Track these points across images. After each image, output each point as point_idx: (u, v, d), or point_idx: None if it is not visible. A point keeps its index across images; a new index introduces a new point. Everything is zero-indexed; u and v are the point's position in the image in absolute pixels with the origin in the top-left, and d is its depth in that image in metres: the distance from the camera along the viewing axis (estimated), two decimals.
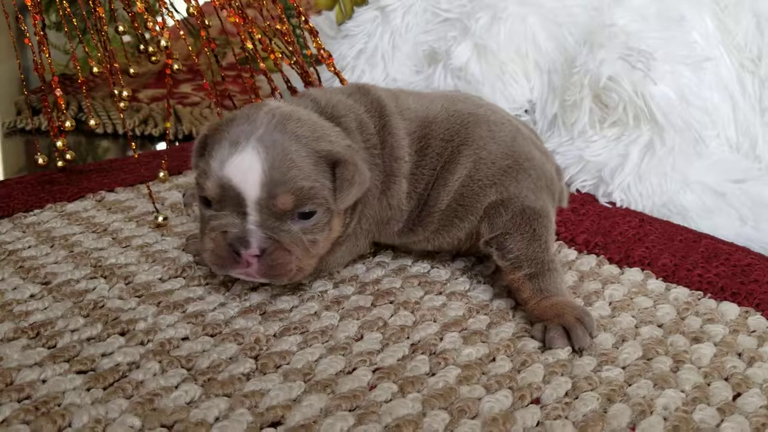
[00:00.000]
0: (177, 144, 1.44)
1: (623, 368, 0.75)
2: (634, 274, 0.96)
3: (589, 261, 0.98)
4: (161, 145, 1.47)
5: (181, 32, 1.13)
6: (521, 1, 1.21)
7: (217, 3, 1.05)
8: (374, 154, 0.84)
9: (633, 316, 0.85)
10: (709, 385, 0.73)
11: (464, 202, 0.86)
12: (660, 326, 0.83)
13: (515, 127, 0.91)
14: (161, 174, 1.13)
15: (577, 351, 0.76)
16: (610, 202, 1.16)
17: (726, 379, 0.74)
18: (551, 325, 0.78)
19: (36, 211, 1.01)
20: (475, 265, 0.94)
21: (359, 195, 0.79)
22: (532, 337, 0.79)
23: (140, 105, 1.61)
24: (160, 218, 0.98)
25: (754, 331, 0.84)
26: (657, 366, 0.75)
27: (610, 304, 0.87)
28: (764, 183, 1.15)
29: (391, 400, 0.66)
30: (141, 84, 1.81)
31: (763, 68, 1.22)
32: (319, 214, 0.75)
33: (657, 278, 0.95)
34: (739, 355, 0.79)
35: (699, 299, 0.90)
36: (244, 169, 0.72)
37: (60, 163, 1.13)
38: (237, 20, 1.06)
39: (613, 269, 0.97)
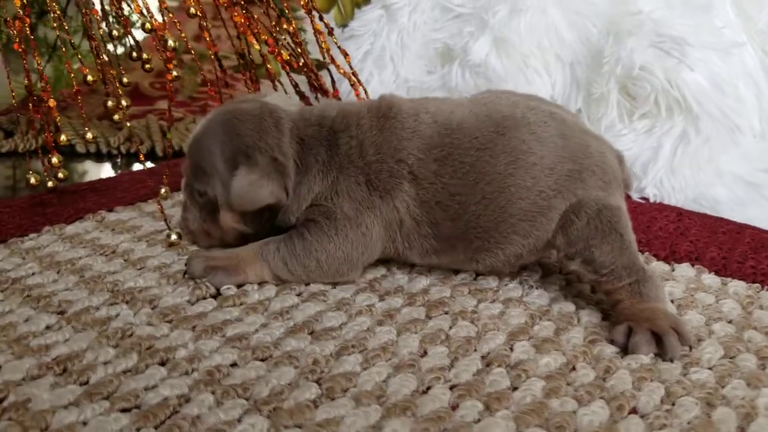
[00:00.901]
0: (169, 160, 1.34)
1: (710, 369, 0.69)
2: (685, 269, 0.91)
3: None
4: (149, 164, 1.37)
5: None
6: None
7: (221, 1, 0.97)
8: (352, 155, 0.81)
9: (700, 314, 0.80)
10: None
11: (526, 217, 0.78)
12: (730, 322, 0.79)
13: (560, 120, 0.82)
14: (162, 190, 1.05)
15: (667, 360, 0.70)
16: (643, 198, 1.11)
17: None
18: (639, 329, 0.71)
19: (32, 235, 0.91)
20: (521, 271, 0.88)
21: (254, 206, 0.79)
22: (612, 340, 0.72)
23: (122, 123, 1.51)
24: (173, 236, 0.89)
25: None
26: (744, 365, 0.70)
27: (673, 302, 0.82)
28: None
29: (479, 420, 0.59)
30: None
31: None
32: (207, 198, 0.82)
33: (710, 272, 0.90)
34: None
35: (758, 292, 0.86)
36: (192, 133, 0.84)
37: (50, 184, 1.04)
38: (242, 20, 0.99)
39: (663, 266, 0.92)
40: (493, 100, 0.85)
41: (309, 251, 0.79)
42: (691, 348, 0.72)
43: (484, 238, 0.79)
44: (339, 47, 1.06)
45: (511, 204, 0.78)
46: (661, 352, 0.70)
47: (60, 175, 1.02)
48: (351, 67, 1.05)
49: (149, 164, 1.34)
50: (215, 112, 0.84)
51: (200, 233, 0.86)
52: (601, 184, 0.79)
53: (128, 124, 0.99)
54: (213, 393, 0.60)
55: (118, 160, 1.38)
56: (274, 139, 0.80)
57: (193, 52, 1.03)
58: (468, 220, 0.79)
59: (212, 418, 0.57)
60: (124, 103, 0.97)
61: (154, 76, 1.91)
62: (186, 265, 0.81)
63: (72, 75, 0.95)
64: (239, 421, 0.57)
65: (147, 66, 1.09)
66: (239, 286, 0.80)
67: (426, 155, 0.80)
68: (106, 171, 1.33)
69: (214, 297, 0.78)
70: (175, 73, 1.05)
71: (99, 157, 1.38)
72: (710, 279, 0.89)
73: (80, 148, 1.36)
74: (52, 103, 0.93)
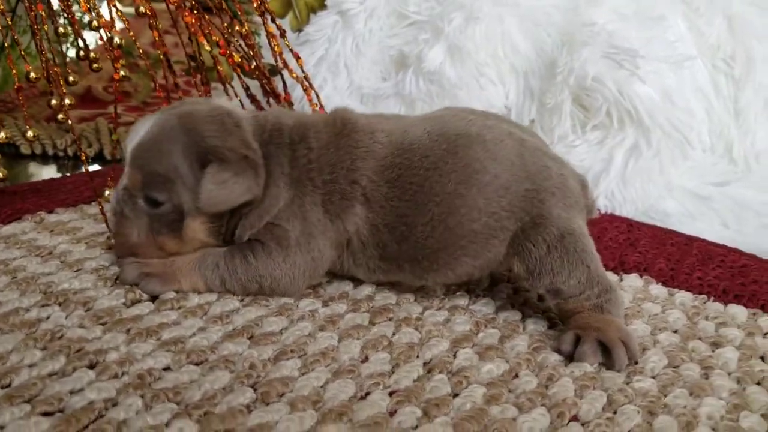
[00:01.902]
0: (116, 163, 1.31)
1: (653, 377, 0.69)
2: (633, 280, 0.91)
3: None
4: (97, 166, 1.33)
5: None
6: (496, 1, 1.16)
7: (172, 2, 0.95)
8: (311, 169, 0.77)
9: (646, 323, 0.80)
10: (744, 390, 0.68)
11: (475, 239, 0.75)
12: (675, 332, 0.79)
13: (519, 140, 0.79)
14: (107, 192, 1.02)
15: (613, 369, 0.69)
16: None
17: (759, 384, 0.69)
18: (587, 339, 0.69)
19: None
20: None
21: (231, 204, 0.74)
22: (558, 348, 0.71)
23: (68, 125, 1.47)
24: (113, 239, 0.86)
25: (767, 334, 0.80)
26: (687, 374, 0.70)
27: None
28: (746, 185, 1.13)
29: (417, 426, 0.58)
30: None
31: (737, 69, 1.21)
32: (166, 207, 0.75)
33: (657, 283, 0.90)
34: (762, 358, 0.75)
35: (704, 303, 0.86)
36: (132, 136, 0.77)
37: None
38: (193, 20, 0.97)
39: (611, 276, 0.92)
40: (449, 117, 0.82)
41: (252, 276, 0.76)
42: (636, 362, 0.71)
43: (432, 260, 0.77)
44: (291, 50, 1.04)
45: (460, 225, 0.75)
46: (608, 363, 0.69)
47: (0, 174, 0.98)
48: (303, 71, 1.03)
49: (97, 167, 1.31)
50: (164, 115, 0.76)
51: (148, 246, 0.77)
52: (561, 206, 0.75)
53: (70, 122, 0.94)
54: (142, 397, 0.58)
55: (66, 162, 1.34)
56: (239, 139, 0.75)
57: (143, 56, 1.01)
58: (415, 241, 0.76)
59: (139, 423, 0.54)
60: (67, 101, 0.94)
61: (108, 80, 1.88)
62: (119, 270, 0.78)
63: (14, 72, 0.92)
64: (167, 425, 0.55)
65: (95, 66, 1.06)
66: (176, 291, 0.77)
67: (379, 177, 0.77)
68: (52, 173, 1.30)
69: (152, 300, 0.75)
70: (122, 73, 1.02)
71: (45, 159, 1.35)
72: (657, 289, 0.89)
73: (25, 149, 1.33)
74: None
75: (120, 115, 1.67)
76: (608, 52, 1.05)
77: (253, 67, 1.03)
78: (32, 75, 0.94)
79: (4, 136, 0.94)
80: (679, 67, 1.09)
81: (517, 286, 0.87)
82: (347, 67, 1.22)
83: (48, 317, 0.69)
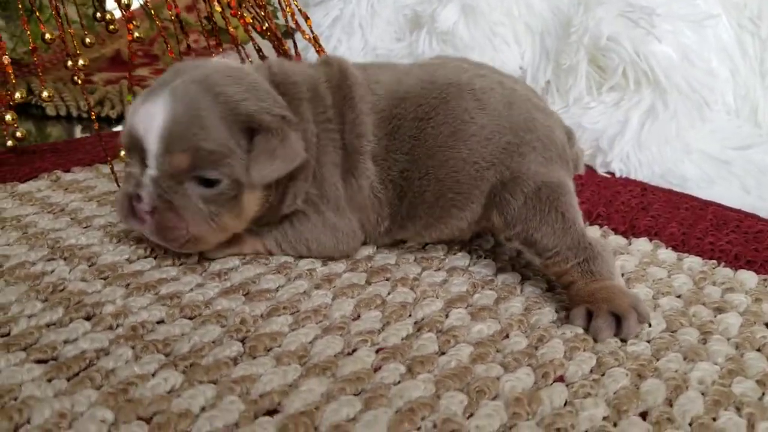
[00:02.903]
0: None
1: (648, 342, 0.68)
2: (643, 244, 0.90)
3: (593, 232, 0.92)
4: (120, 128, 1.36)
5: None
6: None
7: None
8: (330, 128, 0.75)
9: (649, 287, 0.79)
10: (742, 356, 0.67)
11: (461, 189, 0.75)
12: (679, 297, 0.77)
13: (509, 90, 0.79)
14: (122, 152, 1.04)
15: (627, 338, 0.68)
16: (609, 173, 1.09)
17: (758, 350, 0.68)
18: (600, 312, 0.67)
19: None
20: (473, 240, 0.87)
21: (283, 172, 0.70)
22: (571, 322, 0.69)
23: (94, 87, 1.50)
24: None
25: None
26: (684, 338, 0.69)
27: (623, 275, 0.80)
28: None
29: (400, 381, 0.59)
30: (95, 68, 1.71)
31: (764, 29, 1.17)
32: (223, 185, 0.68)
33: (667, 248, 0.89)
34: (767, 325, 0.73)
35: (714, 268, 0.85)
36: (148, 118, 0.67)
37: (9, 143, 1.03)
38: None
39: (620, 240, 0.91)
40: (440, 65, 0.82)
41: (300, 240, 0.77)
42: (649, 324, 0.70)
43: (429, 214, 0.77)
44: (300, 10, 1.04)
45: (448, 177, 0.75)
46: (619, 333, 0.67)
47: (18, 134, 1.01)
48: (312, 32, 1.03)
49: (121, 128, 1.33)
50: (182, 86, 0.68)
51: (211, 232, 0.70)
52: (541, 160, 0.75)
53: (80, 82, 0.95)
54: (133, 348, 0.60)
55: (90, 123, 1.36)
56: (271, 98, 0.71)
57: (173, 19, 1.02)
58: (414, 197, 0.76)
59: (126, 371, 0.56)
60: (81, 62, 0.96)
61: (138, 43, 1.91)
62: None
63: (28, 33, 0.94)
64: (153, 375, 0.56)
65: (111, 27, 1.08)
66: None
67: (380, 130, 0.76)
68: (78, 135, 1.32)
69: (155, 257, 0.77)
70: (137, 35, 1.04)
71: (70, 121, 1.37)
72: (666, 254, 0.87)
73: (50, 111, 1.35)
74: (5, 60, 0.92)
75: (146, 78, 1.69)
76: (624, 11, 1.02)
77: (265, 28, 1.03)
78: (47, 36, 0.96)
79: (19, 96, 0.95)
80: (700, 26, 1.06)
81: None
82: (362, 27, 1.21)
83: (52, 271, 0.71)
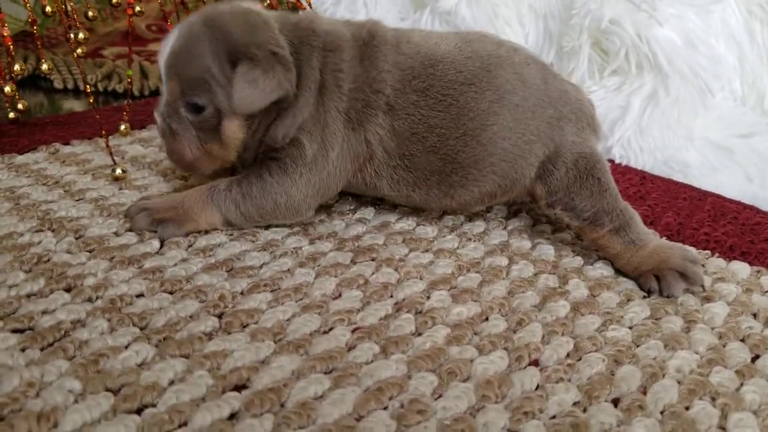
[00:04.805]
0: (143, 99, 1.34)
1: (630, 328, 0.68)
2: None
3: None
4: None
5: None
6: None
7: None
8: (339, 78, 0.77)
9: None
10: (724, 346, 0.66)
11: (506, 157, 0.78)
12: None
13: (542, 65, 0.83)
14: (122, 127, 1.05)
15: (692, 292, 0.75)
16: (609, 159, 1.08)
17: (742, 340, 0.68)
18: (665, 272, 0.74)
19: None
20: (464, 223, 0.86)
21: (262, 102, 0.73)
22: (647, 289, 0.74)
23: (104, 61, 1.50)
24: (119, 171, 0.89)
25: None
26: (667, 326, 0.68)
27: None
28: None
29: (372, 361, 0.59)
30: (107, 42, 1.71)
31: None
32: (208, 111, 0.74)
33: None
34: (755, 315, 0.72)
35: (707, 258, 0.83)
36: (163, 50, 0.76)
37: (11, 115, 1.04)
38: None
39: None
40: (478, 37, 0.84)
41: (267, 192, 0.76)
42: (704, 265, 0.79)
43: (461, 174, 0.79)
44: None
45: (492, 143, 0.77)
46: (687, 282, 0.74)
47: (20, 106, 1.02)
48: (311, 6, 1.03)
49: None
50: (190, 21, 0.75)
51: (203, 157, 0.77)
52: (575, 130, 0.80)
53: (76, 55, 0.95)
54: (109, 320, 0.60)
55: (97, 97, 1.37)
56: (267, 35, 0.74)
57: None
58: (446, 153, 0.78)
59: (99, 343, 0.57)
60: (81, 35, 0.96)
61: (154, 18, 1.91)
62: (128, 219, 0.77)
63: (28, 6, 0.94)
64: (126, 347, 0.57)
65: (114, 1, 1.08)
66: None
67: (405, 85, 0.78)
68: (85, 107, 1.33)
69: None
70: (137, 9, 1.04)
71: (78, 94, 1.38)
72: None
73: (58, 84, 1.36)
74: (5, 32, 0.92)
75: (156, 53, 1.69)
76: None
77: (266, 4, 1.03)
78: (48, 9, 0.96)
79: (18, 69, 0.96)
80: (706, 11, 1.03)
81: (511, 230, 0.86)
82: (366, 5, 1.20)
83: (39, 242, 0.72)
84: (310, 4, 1.03)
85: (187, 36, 0.74)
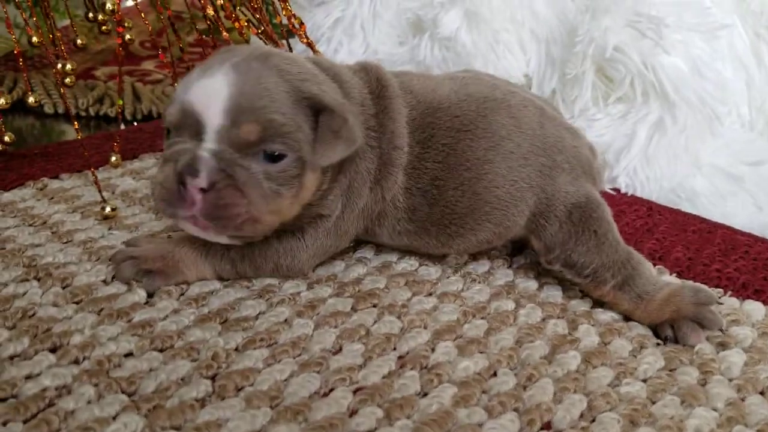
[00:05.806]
0: (134, 124, 1.30)
1: (644, 381, 0.65)
2: None
3: None
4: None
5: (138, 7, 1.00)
6: None
7: None
8: (371, 136, 0.74)
9: None
10: (743, 400, 0.63)
11: (500, 205, 0.75)
12: None
13: (539, 109, 0.80)
14: (113, 158, 1.01)
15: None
16: (615, 189, 1.05)
17: (762, 393, 0.64)
18: (680, 323, 0.71)
19: None
20: (468, 262, 0.83)
21: (344, 154, 0.68)
22: (663, 338, 0.72)
23: (95, 83, 1.47)
24: (108, 209, 0.85)
25: None
26: (682, 378, 0.65)
27: None
28: None
29: (375, 429, 0.56)
30: (99, 61, 1.67)
31: None
32: (288, 160, 0.65)
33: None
34: None
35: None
36: (209, 92, 0.64)
37: None
38: None
39: None
40: (473, 79, 0.82)
41: (270, 256, 0.73)
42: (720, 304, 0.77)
43: (458, 224, 0.76)
44: (295, 16, 1.00)
45: (487, 191, 0.75)
46: (705, 328, 0.72)
47: (6, 138, 0.98)
48: (308, 37, 1.00)
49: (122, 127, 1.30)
50: (237, 63, 0.65)
51: (268, 216, 0.66)
52: (569, 180, 0.77)
53: (66, 83, 0.92)
54: (96, 386, 0.57)
55: (89, 122, 1.34)
56: (326, 84, 0.70)
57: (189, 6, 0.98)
58: (445, 205, 0.75)
59: (86, 414, 0.54)
60: (69, 66, 0.93)
61: (148, 34, 1.87)
62: (114, 268, 0.72)
63: (13, 38, 0.91)
64: (114, 418, 0.54)
65: (103, 28, 1.05)
66: None
67: (412, 139, 0.75)
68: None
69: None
70: (128, 37, 1.01)
71: (68, 119, 1.34)
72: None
73: (48, 109, 1.33)
74: None
75: (151, 72, 1.66)
76: (632, 21, 0.97)
77: (260, 31, 1.00)
78: (34, 39, 0.93)
79: (32, 101, 0.93)
80: (713, 36, 1.01)
81: (516, 270, 0.82)
82: (364, 29, 1.17)
83: (24, 293, 0.69)
84: (306, 36, 1.00)
85: (255, 78, 0.64)
